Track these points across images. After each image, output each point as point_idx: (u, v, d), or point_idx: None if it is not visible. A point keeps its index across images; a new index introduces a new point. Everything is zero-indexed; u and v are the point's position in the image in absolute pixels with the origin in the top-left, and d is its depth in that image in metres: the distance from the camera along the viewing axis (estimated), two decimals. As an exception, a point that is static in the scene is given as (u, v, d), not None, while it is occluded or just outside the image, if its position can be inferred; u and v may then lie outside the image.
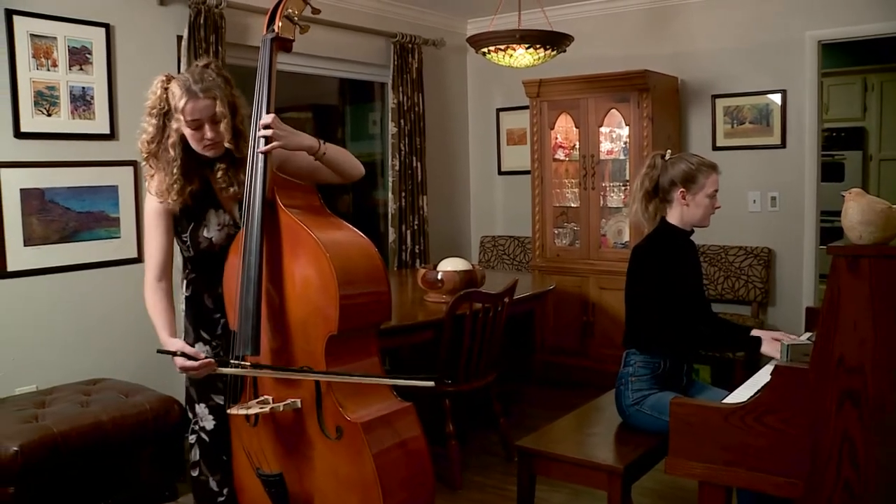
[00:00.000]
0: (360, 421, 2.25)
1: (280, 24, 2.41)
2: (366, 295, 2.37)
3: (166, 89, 2.43)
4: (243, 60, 4.71)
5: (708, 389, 3.15)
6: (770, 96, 5.30)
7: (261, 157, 2.36)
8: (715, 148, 5.49)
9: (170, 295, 2.55)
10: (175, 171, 2.45)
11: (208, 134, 2.42)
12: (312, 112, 6.39)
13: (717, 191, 3.02)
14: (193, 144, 2.45)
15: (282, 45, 2.45)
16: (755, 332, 2.96)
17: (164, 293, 2.53)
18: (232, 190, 2.53)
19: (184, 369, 2.37)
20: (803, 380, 2.16)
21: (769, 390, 2.22)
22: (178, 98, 2.39)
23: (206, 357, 2.40)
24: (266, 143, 2.34)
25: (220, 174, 2.52)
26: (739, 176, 5.30)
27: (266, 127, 2.34)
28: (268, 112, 2.39)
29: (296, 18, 2.45)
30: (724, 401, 2.40)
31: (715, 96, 5.51)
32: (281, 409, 2.34)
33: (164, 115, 2.44)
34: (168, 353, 2.37)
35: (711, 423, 2.29)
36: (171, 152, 2.44)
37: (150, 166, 2.51)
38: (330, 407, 2.30)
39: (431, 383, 2.21)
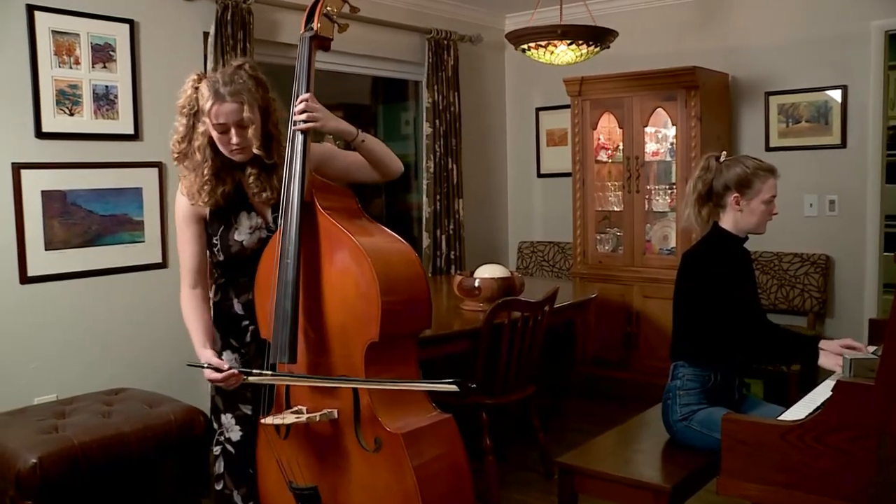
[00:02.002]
0: (400, 432, 2.25)
1: (319, 22, 2.43)
2: (407, 301, 2.38)
3: (197, 89, 2.45)
4: (273, 58, 4.73)
5: (761, 405, 3.10)
6: (829, 93, 5.20)
7: (299, 143, 2.37)
8: (768, 149, 5.40)
9: (206, 302, 2.58)
10: (206, 171, 2.47)
11: (234, 139, 2.42)
12: (343, 112, 6.39)
13: (774, 196, 2.97)
14: (221, 148, 2.46)
15: (321, 43, 2.48)
16: (823, 345, 2.87)
17: (199, 300, 2.56)
18: (265, 195, 2.54)
19: (212, 381, 2.40)
20: (868, 397, 2.09)
21: (830, 407, 2.16)
22: (205, 99, 2.40)
23: (232, 368, 2.41)
24: (303, 123, 2.38)
25: (251, 179, 2.53)
26: (795, 178, 5.19)
27: (303, 107, 2.37)
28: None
29: (334, 17, 2.48)
30: (781, 418, 2.35)
31: (768, 93, 5.41)
32: (317, 419, 2.35)
33: (194, 115, 2.46)
34: (197, 365, 2.41)
35: (767, 442, 2.24)
36: (199, 155, 2.46)
37: (184, 167, 2.52)
38: (368, 417, 2.30)
39: (454, 387, 2.15)
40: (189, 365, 2.43)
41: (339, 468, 2.38)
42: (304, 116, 2.38)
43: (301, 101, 2.39)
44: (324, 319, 2.38)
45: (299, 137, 2.39)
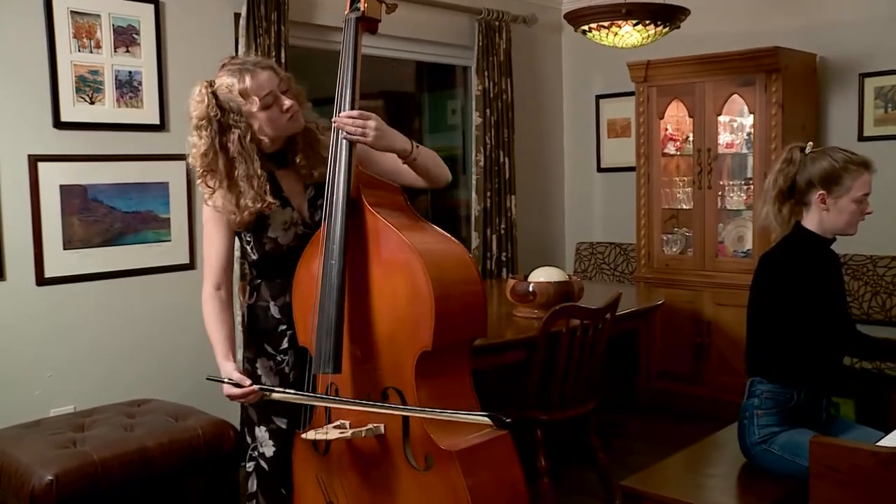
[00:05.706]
0: (454, 449, 2.26)
1: (366, 2, 2.45)
2: (462, 307, 2.39)
3: (213, 93, 2.46)
4: (308, 41, 4.74)
5: (854, 428, 3.04)
6: (937, 72, 5.07)
7: (345, 149, 2.40)
8: (861, 138, 5.28)
9: (228, 306, 2.61)
10: (258, 169, 2.48)
11: (286, 103, 2.47)
12: (384, 100, 6.41)
13: (867, 194, 2.90)
14: (274, 126, 2.48)
15: (368, 26, 2.51)
16: None
17: (222, 304, 2.59)
18: (315, 173, 2.57)
19: (231, 397, 2.46)
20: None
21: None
22: (236, 86, 2.43)
23: (253, 384, 2.46)
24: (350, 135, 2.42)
25: (299, 158, 2.56)
26: (893, 171, 5.06)
27: (353, 118, 2.40)
28: (353, 99, 2.44)
29: None
30: (881, 443, 2.28)
31: (863, 75, 5.29)
32: (363, 434, 2.35)
33: (219, 121, 2.46)
34: (217, 380, 2.47)
35: (864, 470, 2.17)
36: (243, 160, 2.46)
37: (207, 185, 2.53)
38: (419, 433, 2.30)
39: (487, 420, 2.17)
40: (209, 378, 2.49)
41: (384, 488, 2.39)
42: (351, 129, 2.39)
43: (350, 118, 2.41)
44: (371, 326, 2.39)
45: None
